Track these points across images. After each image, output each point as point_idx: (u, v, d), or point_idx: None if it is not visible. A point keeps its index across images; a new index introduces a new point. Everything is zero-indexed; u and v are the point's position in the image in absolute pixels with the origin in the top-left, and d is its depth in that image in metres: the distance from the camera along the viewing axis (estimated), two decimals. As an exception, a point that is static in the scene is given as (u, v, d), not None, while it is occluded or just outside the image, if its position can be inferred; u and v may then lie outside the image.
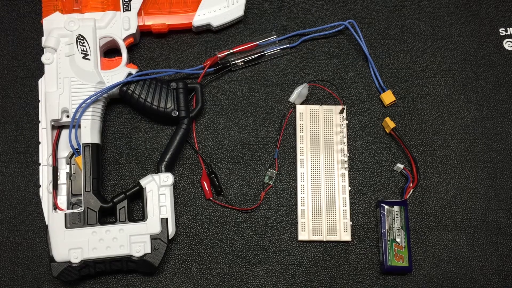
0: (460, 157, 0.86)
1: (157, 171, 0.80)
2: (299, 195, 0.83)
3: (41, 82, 0.82)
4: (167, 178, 0.78)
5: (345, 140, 0.85)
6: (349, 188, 0.83)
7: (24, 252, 0.80)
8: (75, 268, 0.75)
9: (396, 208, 0.81)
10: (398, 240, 0.80)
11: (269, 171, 0.84)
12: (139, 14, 0.86)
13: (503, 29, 0.92)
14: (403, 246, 0.80)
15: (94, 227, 0.76)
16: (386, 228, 0.80)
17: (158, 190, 0.78)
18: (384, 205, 0.81)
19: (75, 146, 0.80)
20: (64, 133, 0.81)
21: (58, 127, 0.81)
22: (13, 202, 0.82)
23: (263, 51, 0.88)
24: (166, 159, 0.81)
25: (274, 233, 0.82)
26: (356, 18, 0.90)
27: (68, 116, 0.80)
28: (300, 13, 0.91)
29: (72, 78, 0.80)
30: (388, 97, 0.87)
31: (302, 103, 0.87)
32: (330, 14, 0.92)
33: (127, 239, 0.76)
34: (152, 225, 0.77)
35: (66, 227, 0.76)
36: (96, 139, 0.80)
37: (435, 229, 0.83)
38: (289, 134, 0.86)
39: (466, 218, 0.83)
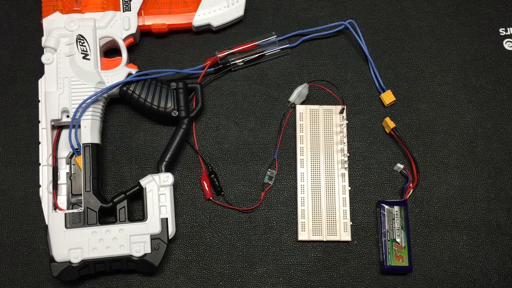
0: (460, 157, 0.86)
1: (157, 171, 0.80)
2: (299, 195, 0.83)
3: (41, 82, 0.82)
4: (167, 178, 0.78)
5: (345, 140, 0.85)
6: (349, 188, 0.83)
7: (24, 252, 0.80)
8: (75, 268, 0.75)
9: (396, 208, 0.81)
10: (398, 240, 0.80)
11: (269, 171, 0.84)
12: (139, 14, 0.86)
13: (503, 29, 0.92)
14: (403, 246, 0.80)
15: (94, 227, 0.76)
16: (386, 228, 0.80)
17: (158, 190, 0.78)
18: (384, 205, 0.81)
19: (75, 146, 0.80)
20: (64, 133, 0.81)
21: (58, 127, 0.81)
22: (13, 202, 0.82)
23: (263, 51, 0.88)
24: (166, 159, 0.81)
25: (274, 233, 0.82)
26: (356, 18, 0.90)
27: (68, 116, 0.80)
28: (300, 13, 0.91)
29: (72, 78, 0.80)
30: (388, 97, 0.87)
31: (302, 103, 0.87)
32: (330, 14, 0.92)
33: (127, 239, 0.76)
34: (152, 225, 0.77)
35: (66, 227, 0.76)
36: (96, 139, 0.80)
37: (435, 229, 0.83)
38: (289, 134, 0.86)
39: (466, 218, 0.83)
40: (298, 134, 0.85)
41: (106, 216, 0.80)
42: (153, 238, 0.77)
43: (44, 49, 0.81)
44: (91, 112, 0.80)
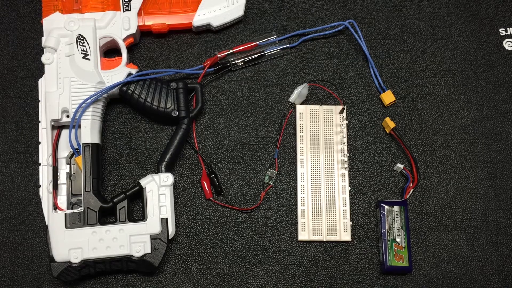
0: (460, 157, 0.86)
1: (157, 171, 0.80)
2: (299, 195, 0.83)
3: (41, 82, 0.82)
4: (167, 178, 0.78)
5: (345, 140, 0.85)
6: (349, 188, 0.83)
7: (24, 252, 0.80)
8: (75, 268, 0.75)
9: (396, 208, 0.81)
10: (398, 240, 0.80)
11: (269, 171, 0.84)
12: (139, 14, 0.86)
13: (503, 29, 0.92)
14: (403, 246, 0.80)
15: (94, 227, 0.76)
16: (386, 228, 0.80)
17: (158, 190, 0.78)
18: (384, 205, 0.81)
19: (75, 146, 0.80)
20: (64, 133, 0.81)
21: (58, 127, 0.81)
22: (13, 202, 0.82)
23: (263, 51, 0.88)
24: (166, 159, 0.81)
25: (274, 233, 0.82)
26: (356, 18, 0.90)
27: (68, 116, 0.80)
28: (300, 13, 0.91)
29: (72, 78, 0.80)
30: (388, 97, 0.87)
31: (302, 103, 0.87)
32: (330, 14, 0.92)
33: (127, 239, 0.76)
34: (152, 225, 0.77)
35: (66, 227, 0.76)
36: (96, 139, 0.80)
37: (435, 229, 0.83)
38: (289, 134, 0.86)
39: (466, 218, 0.83)
40: (298, 134, 0.85)
41: (106, 216, 0.80)
42: (153, 238, 0.77)
43: (44, 49, 0.81)
44: (91, 112, 0.80)
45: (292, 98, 0.86)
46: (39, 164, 0.80)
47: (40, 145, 0.80)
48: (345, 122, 0.85)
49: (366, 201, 0.84)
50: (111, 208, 0.78)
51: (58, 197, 0.79)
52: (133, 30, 0.85)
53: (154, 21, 0.86)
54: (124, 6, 0.85)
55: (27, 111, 0.85)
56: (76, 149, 0.80)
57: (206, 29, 0.89)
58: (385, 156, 0.85)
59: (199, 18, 0.87)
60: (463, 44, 0.91)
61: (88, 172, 0.78)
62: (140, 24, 0.86)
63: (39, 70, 0.84)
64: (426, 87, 0.89)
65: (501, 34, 0.92)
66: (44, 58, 0.80)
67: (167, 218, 0.78)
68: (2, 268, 0.80)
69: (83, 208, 0.77)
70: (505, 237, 0.83)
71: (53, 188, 0.78)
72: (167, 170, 0.80)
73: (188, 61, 0.88)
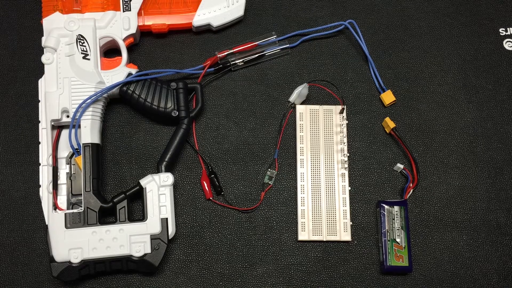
0: (460, 157, 0.86)
1: (157, 171, 0.80)
2: (299, 195, 0.83)
3: (41, 82, 0.82)
4: (167, 178, 0.78)
5: (345, 140, 0.85)
6: (349, 188, 0.83)
7: (24, 252, 0.80)
8: (75, 268, 0.75)
9: (396, 208, 0.81)
10: (398, 240, 0.80)
11: (269, 171, 0.84)
12: (139, 14, 0.86)
13: (503, 29, 0.92)
14: (403, 246, 0.80)
15: (94, 227, 0.76)
16: (386, 228, 0.80)
17: (158, 190, 0.78)
18: (384, 205, 0.81)
19: (75, 146, 0.80)
20: (64, 133, 0.81)
21: (58, 127, 0.81)
22: (13, 202, 0.82)
23: (263, 51, 0.88)
24: (166, 159, 0.81)
25: (274, 233, 0.82)
26: (356, 18, 0.90)
27: (68, 116, 0.80)
28: (300, 13, 0.91)
29: (72, 78, 0.80)
30: (388, 97, 0.87)
31: (302, 103, 0.87)
32: (330, 14, 0.92)
33: (127, 239, 0.76)
34: (152, 225, 0.77)
35: (66, 227, 0.76)
36: (96, 139, 0.80)
37: (435, 229, 0.83)
38: (289, 134, 0.86)
39: (466, 218, 0.83)
40: (298, 134, 0.85)
41: (106, 216, 0.80)
42: (153, 238, 0.77)
43: (44, 49, 0.81)
44: (91, 112, 0.80)
45: (292, 98, 0.86)
46: (39, 164, 0.80)
47: (40, 145, 0.80)
48: (345, 122, 0.85)
49: (366, 201, 0.84)
50: (111, 208, 0.78)
51: (58, 197, 0.79)
52: (133, 30, 0.85)
53: (154, 21, 0.86)
54: (124, 6, 0.85)
55: (27, 111, 0.85)
56: (76, 149, 0.80)
57: (206, 29, 0.89)
58: (385, 156, 0.85)
59: (199, 18, 0.87)
60: (463, 44, 0.91)
61: (88, 172, 0.78)
62: (140, 24, 0.86)
63: (39, 70, 0.84)
64: (426, 87, 0.89)
65: (501, 34, 0.92)
66: (44, 58, 0.80)
67: (167, 218, 0.78)
68: (2, 268, 0.80)
69: (83, 208, 0.77)
70: (505, 237, 0.83)
71: (53, 188, 0.78)
72: (167, 170, 0.80)
73: (188, 61, 0.88)
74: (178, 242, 0.81)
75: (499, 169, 0.85)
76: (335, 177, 0.83)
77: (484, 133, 0.87)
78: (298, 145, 0.85)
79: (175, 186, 0.83)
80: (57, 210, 0.78)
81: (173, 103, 0.82)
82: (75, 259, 0.75)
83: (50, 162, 0.79)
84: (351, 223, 0.82)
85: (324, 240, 0.81)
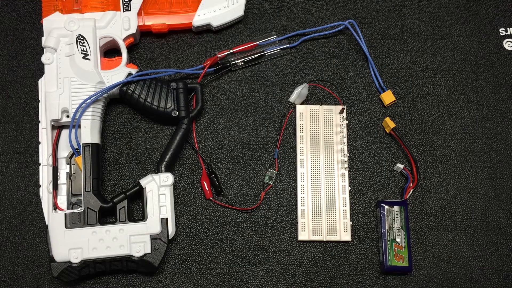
0: (460, 157, 0.86)
1: (157, 171, 0.80)
2: (299, 195, 0.83)
3: (41, 82, 0.82)
4: (167, 178, 0.78)
5: (345, 140, 0.85)
6: (349, 188, 0.83)
7: (24, 252, 0.80)
8: (75, 268, 0.75)
9: (396, 208, 0.81)
10: (398, 240, 0.80)
11: (269, 171, 0.84)
12: (139, 14, 0.86)
13: (503, 29, 0.92)
14: (403, 246, 0.80)
15: (94, 227, 0.76)
16: (386, 228, 0.80)
17: (158, 190, 0.78)
18: (384, 205, 0.81)
19: (75, 146, 0.80)
20: (64, 133, 0.81)
21: (58, 127, 0.81)
22: (13, 202, 0.82)
23: (263, 51, 0.88)
24: (166, 159, 0.81)
25: (274, 233, 0.82)
26: (356, 18, 0.90)
27: (68, 116, 0.80)
28: (300, 13, 0.91)
29: (72, 78, 0.80)
30: (388, 97, 0.87)
31: (302, 103, 0.87)
32: (330, 14, 0.92)
33: (127, 239, 0.76)
34: (152, 225, 0.77)
35: (66, 227, 0.76)
36: (96, 139, 0.80)
37: (435, 229, 0.83)
38: (289, 134, 0.86)
39: (466, 218, 0.83)
40: (298, 134, 0.85)
41: (106, 216, 0.80)
42: (153, 238, 0.77)
43: (44, 49, 0.81)
44: (91, 112, 0.80)
45: (292, 98, 0.86)
46: (39, 164, 0.80)
47: (40, 145, 0.80)
48: (345, 122, 0.85)
49: (366, 201, 0.84)
50: (111, 208, 0.78)
51: (58, 197, 0.79)
52: (133, 30, 0.85)
53: (154, 21, 0.86)
54: (124, 6, 0.85)
55: (27, 111, 0.85)
56: (76, 149, 0.80)
57: (206, 29, 0.89)
58: (385, 156, 0.85)
59: (199, 18, 0.87)
60: (463, 44, 0.91)
61: (88, 172, 0.78)
62: (140, 24, 0.86)
63: (39, 70, 0.84)
64: (426, 87, 0.89)
65: (501, 34, 0.92)
66: (44, 58, 0.81)
67: (167, 218, 0.78)
68: (2, 268, 0.80)
69: (83, 208, 0.77)
70: (505, 237, 0.83)
71: (53, 188, 0.78)
72: (167, 170, 0.80)
73: (188, 61, 0.88)
74: (178, 242, 0.81)
75: (499, 169, 0.85)
76: (335, 177, 0.83)
77: (484, 133, 0.87)
78: (298, 145, 0.85)
79: (175, 186, 0.83)
80: (57, 210, 0.78)
81: (173, 103, 0.82)
82: (75, 259, 0.75)
83: (50, 162, 0.79)
84: (351, 223, 0.82)
85: (324, 240, 0.81)
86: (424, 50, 0.91)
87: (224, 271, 0.80)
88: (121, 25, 0.84)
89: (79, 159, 0.79)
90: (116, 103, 0.86)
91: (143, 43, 0.89)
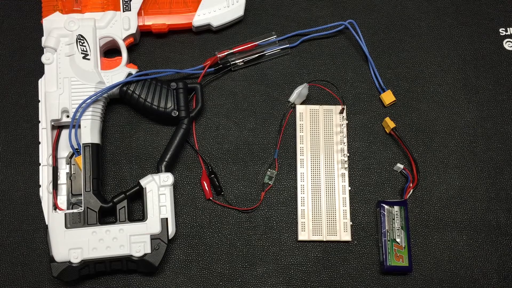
0: (460, 157, 0.86)
1: (157, 171, 0.80)
2: (299, 195, 0.83)
3: (41, 82, 0.82)
4: (167, 178, 0.78)
5: (345, 140, 0.85)
6: (349, 188, 0.83)
7: (24, 252, 0.80)
8: (75, 268, 0.75)
9: (396, 208, 0.81)
10: (398, 240, 0.80)
11: (269, 171, 0.84)
12: (139, 14, 0.86)
13: (503, 29, 0.92)
14: (403, 246, 0.80)
15: (94, 227, 0.76)
16: (386, 228, 0.80)
17: (158, 190, 0.78)
18: (384, 205, 0.81)
19: (75, 146, 0.80)
20: (64, 133, 0.81)
21: (58, 127, 0.81)
22: (13, 202, 0.82)
23: (263, 51, 0.88)
24: (166, 159, 0.81)
25: (274, 233, 0.82)
26: (356, 18, 0.90)
27: (68, 116, 0.80)
28: (300, 13, 0.91)
29: (72, 78, 0.80)
30: (388, 97, 0.87)
31: (302, 103, 0.87)
32: (330, 14, 0.92)
33: (127, 239, 0.76)
34: (152, 225, 0.77)
35: (66, 227, 0.76)
36: (96, 139, 0.80)
37: (435, 229, 0.83)
38: (289, 134, 0.86)
39: (466, 218, 0.83)
40: (298, 134, 0.85)
41: (106, 216, 0.80)
42: (153, 238, 0.77)
43: (44, 49, 0.81)
44: (91, 112, 0.80)
45: (292, 98, 0.86)
46: (39, 164, 0.80)
47: (40, 145, 0.80)
48: (345, 122, 0.85)
49: (366, 201, 0.84)
50: (111, 208, 0.78)
51: (58, 197, 0.79)
52: (133, 30, 0.85)
53: (154, 21, 0.86)
54: (124, 6, 0.85)
55: (27, 111, 0.85)
56: (76, 149, 0.80)
57: (206, 29, 0.89)
58: (385, 156, 0.86)
59: (199, 18, 0.87)
60: (463, 44, 0.91)
61: (88, 172, 0.78)
62: (140, 24, 0.86)
63: (39, 70, 0.84)
64: (426, 87, 0.89)
65: (501, 34, 0.92)
66: (44, 58, 0.81)
67: (167, 218, 0.78)
68: (2, 268, 0.80)
69: (83, 208, 0.77)
70: (505, 237, 0.83)
71: (53, 188, 0.78)
72: (167, 170, 0.80)
73: (188, 61, 0.88)
74: (178, 242, 0.81)
75: (499, 169, 0.85)
76: (335, 177, 0.83)
77: (484, 133, 0.87)
78: (298, 145, 0.85)
79: (175, 186, 0.83)
80: (57, 210, 0.78)
81: (173, 103, 0.82)
82: (75, 259, 0.75)
83: (50, 162, 0.79)
84: (351, 223, 0.82)
85: (324, 240, 0.81)
86: (424, 50, 0.91)
87: (224, 271, 0.80)
88: (121, 25, 0.84)
89: (79, 159, 0.79)
90: (116, 103, 0.86)
91: (143, 43, 0.89)
